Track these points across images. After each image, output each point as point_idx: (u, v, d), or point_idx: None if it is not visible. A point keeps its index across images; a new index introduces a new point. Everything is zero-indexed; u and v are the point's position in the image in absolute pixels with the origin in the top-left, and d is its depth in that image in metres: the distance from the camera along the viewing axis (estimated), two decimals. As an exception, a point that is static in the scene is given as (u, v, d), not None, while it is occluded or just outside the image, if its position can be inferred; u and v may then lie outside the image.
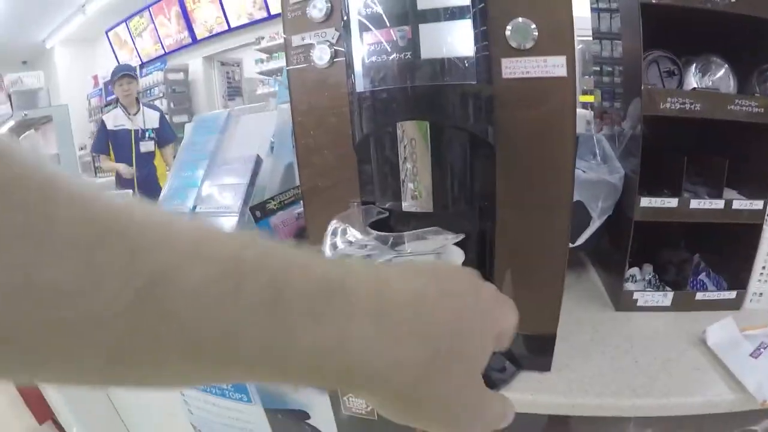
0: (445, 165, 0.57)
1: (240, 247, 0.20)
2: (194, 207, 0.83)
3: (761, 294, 0.89)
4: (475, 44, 0.54)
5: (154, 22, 5.65)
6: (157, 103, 5.56)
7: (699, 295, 0.90)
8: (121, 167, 3.44)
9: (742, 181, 0.88)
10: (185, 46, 5.53)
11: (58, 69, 6.75)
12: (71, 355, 0.17)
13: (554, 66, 0.56)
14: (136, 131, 3.57)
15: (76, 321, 0.15)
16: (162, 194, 0.89)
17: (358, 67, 0.58)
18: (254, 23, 4.74)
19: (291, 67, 0.67)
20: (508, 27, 0.55)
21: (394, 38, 0.56)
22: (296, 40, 0.65)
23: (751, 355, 0.74)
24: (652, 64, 0.85)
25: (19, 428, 2.10)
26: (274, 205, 0.83)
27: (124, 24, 6.00)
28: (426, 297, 0.26)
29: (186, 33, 5.38)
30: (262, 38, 4.65)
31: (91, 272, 0.15)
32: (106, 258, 0.16)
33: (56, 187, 0.16)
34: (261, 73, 4.88)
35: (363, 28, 0.57)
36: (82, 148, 6.59)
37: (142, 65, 5.93)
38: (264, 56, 4.82)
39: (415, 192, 0.57)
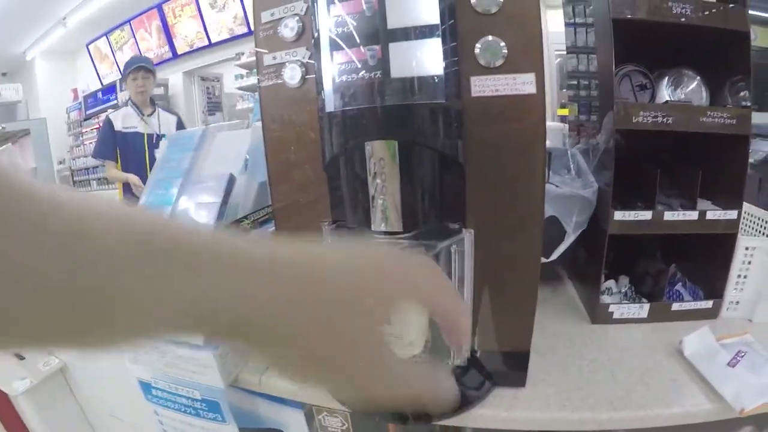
0: (415, 184, 0.57)
1: (152, 221, 0.25)
2: (167, 226, 0.82)
3: (738, 302, 0.91)
4: (444, 62, 0.54)
5: (135, 36, 5.61)
6: (136, 117, 5.52)
7: (675, 306, 0.91)
8: (133, 178, 2.74)
9: (716, 191, 0.89)
10: (166, 61, 5.49)
11: (38, 81, 6.66)
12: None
13: (523, 83, 0.56)
14: (150, 136, 2.89)
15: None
16: (134, 213, 0.87)
17: (327, 86, 0.58)
18: (235, 38, 4.74)
19: (263, 85, 0.66)
20: (478, 45, 0.55)
21: (365, 57, 0.56)
22: (268, 59, 0.65)
23: (728, 364, 0.74)
24: (625, 78, 0.87)
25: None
26: (248, 224, 0.82)
27: (104, 37, 5.95)
28: (327, 257, 0.30)
29: (167, 47, 5.35)
30: (242, 53, 4.64)
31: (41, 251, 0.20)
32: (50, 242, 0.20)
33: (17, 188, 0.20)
34: (241, 88, 4.87)
35: (333, 47, 0.57)
36: (60, 162, 6.51)
37: (123, 79, 5.88)
38: (244, 72, 4.81)
39: (385, 212, 0.57)
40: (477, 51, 0.55)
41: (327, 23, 0.57)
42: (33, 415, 1.47)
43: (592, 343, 0.87)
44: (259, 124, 1.03)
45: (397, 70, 0.55)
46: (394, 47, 0.55)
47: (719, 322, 0.90)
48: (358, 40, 0.56)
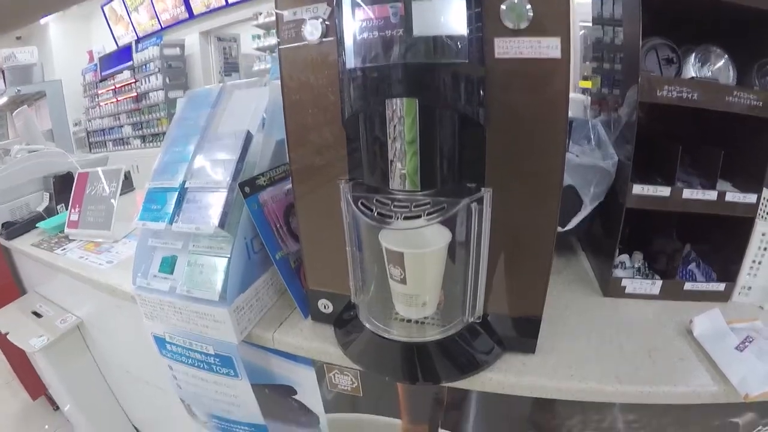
0: (434, 144, 0.57)
1: None
2: (184, 182, 0.83)
3: (750, 288, 0.90)
4: (469, 23, 0.53)
5: (150, -4, 5.55)
6: (152, 78, 5.52)
7: (688, 285, 0.91)
8: None
9: (737, 173, 0.88)
10: (182, 21, 5.41)
11: (53, 44, 6.65)
12: None
13: (548, 47, 0.55)
14: None
15: None
16: (153, 169, 0.89)
17: (349, 43, 0.57)
18: None
19: (282, 46, 0.66)
20: (503, 6, 0.54)
21: (387, 14, 0.55)
22: (288, 15, 0.64)
23: (736, 347, 0.74)
24: (651, 52, 0.85)
25: (14, 404, 2.14)
26: (264, 181, 0.83)
27: (120, -2, 5.89)
28: None
29: (183, 8, 5.27)
30: (260, 14, 4.55)
31: None
32: None
33: None
34: (258, 49, 4.78)
35: (355, 3, 0.57)
36: (76, 124, 6.56)
37: (138, 40, 5.84)
38: (261, 32, 4.71)
39: (403, 171, 0.57)
40: (502, 11, 0.55)
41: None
42: (49, 370, 1.54)
43: (603, 315, 0.87)
44: (277, 82, 1.03)
45: (419, 29, 0.54)
46: (417, 5, 0.54)
47: (730, 306, 0.89)
48: (381, -4, 0.55)
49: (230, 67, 5.78)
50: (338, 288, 0.79)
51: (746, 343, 0.75)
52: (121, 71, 5.88)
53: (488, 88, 0.58)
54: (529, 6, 0.54)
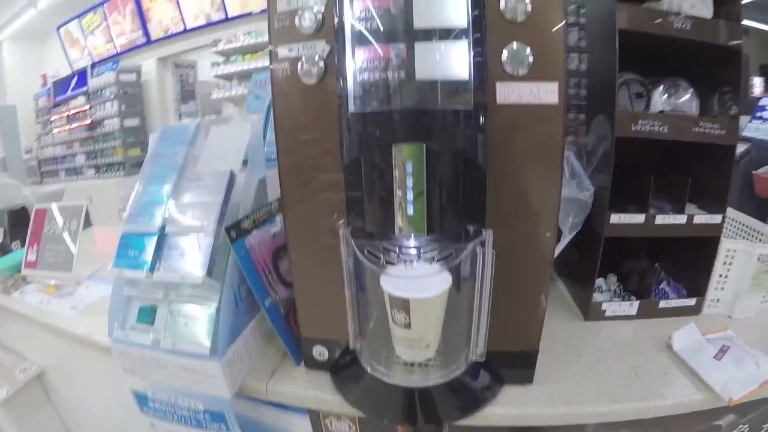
0: (438, 189, 0.53)
1: None
2: (163, 226, 0.75)
3: (718, 300, 0.93)
4: (472, 67, 0.50)
5: (107, 20, 5.23)
6: (107, 105, 5.15)
7: (662, 303, 0.92)
8: None
9: (701, 195, 0.90)
10: (139, 46, 5.15)
11: (6, 65, 6.20)
12: None
13: (546, 93, 0.54)
14: None
15: None
16: (127, 212, 0.80)
17: (349, 84, 0.53)
18: (212, 24, 4.47)
19: (276, 84, 0.60)
20: (504, 51, 0.52)
21: (389, 56, 0.51)
22: (283, 52, 0.59)
23: (714, 357, 0.77)
24: (623, 86, 0.86)
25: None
26: (249, 224, 0.76)
27: (76, 20, 5.54)
28: None
29: (140, 32, 5.02)
30: (219, 41, 4.38)
31: None
32: None
33: None
34: (218, 76, 4.63)
35: (356, 42, 0.53)
36: (27, 152, 6.09)
37: (94, 65, 5.51)
38: (221, 59, 4.56)
39: (408, 216, 0.53)
40: (504, 58, 0.52)
41: (350, 17, 0.53)
42: (9, 425, 1.36)
43: (587, 339, 0.87)
44: (254, 117, 0.96)
45: (422, 72, 0.51)
46: (420, 47, 0.51)
47: (701, 318, 0.92)
48: (382, 37, 0.52)
49: (187, 94, 5.56)
50: (334, 334, 0.73)
51: (723, 352, 0.78)
52: (75, 97, 5.48)
53: (489, 132, 0.55)
54: (528, 50, 0.52)
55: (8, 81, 6.16)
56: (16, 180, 2.26)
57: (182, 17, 4.65)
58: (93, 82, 5.26)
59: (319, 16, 0.56)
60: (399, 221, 0.54)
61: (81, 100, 5.42)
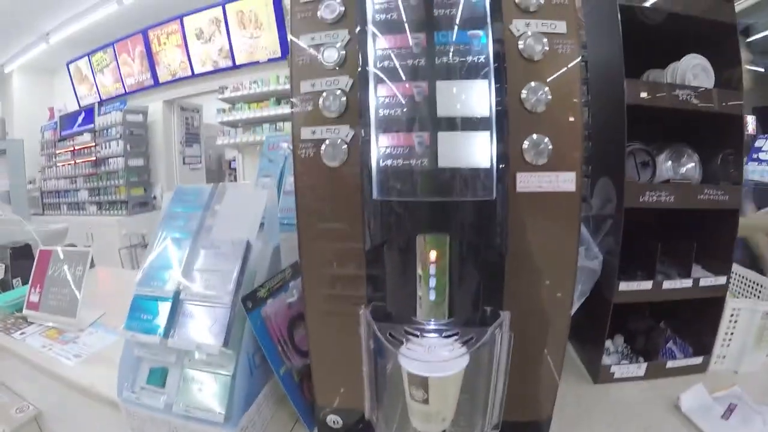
0: (461, 276, 0.53)
1: None
2: (177, 292, 0.74)
3: (724, 356, 0.93)
4: (495, 157, 0.51)
5: (117, 60, 5.35)
6: (113, 143, 5.18)
7: (669, 363, 0.92)
8: None
9: (705, 256, 0.91)
10: (146, 88, 5.25)
11: (15, 96, 6.26)
12: None
13: (564, 181, 0.55)
14: None
15: None
16: (139, 277, 0.79)
17: (373, 170, 0.53)
18: (218, 71, 4.56)
19: (299, 163, 0.61)
20: (525, 142, 0.53)
21: (412, 143, 0.52)
22: (306, 133, 0.60)
23: (722, 417, 0.76)
24: (629, 156, 0.87)
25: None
26: (264, 292, 0.75)
27: (86, 58, 5.65)
28: None
29: (149, 74, 5.13)
30: (226, 88, 4.44)
31: None
32: None
33: None
34: (223, 123, 4.64)
35: (380, 128, 0.53)
36: (30, 182, 6.08)
37: (101, 103, 5.59)
38: (226, 106, 4.60)
39: (432, 302, 0.53)
40: (525, 147, 0.53)
41: (375, 104, 0.54)
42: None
43: (598, 403, 0.86)
44: (267, 180, 0.97)
45: (444, 160, 0.52)
46: (442, 136, 0.52)
47: (708, 375, 0.91)
48: (406, 125, 0.53)
49: (191, 137, 5.61)
50: (349, 403, 0.71)
51: (731, 412, 0.77)
52: (81, 133, 5.51)
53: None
54: (547, 139, 0.53)
55: (16, 111, 6.22)
56: (20, 212, 2.23)
57: (190, 62, 4.76)
58: (100, 120, 5.31)
59: (343, 100, 0.58)
60: (421, 305, 0.53)
61: (87, 136, 5.46)
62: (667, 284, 0.86)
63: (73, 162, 5.68)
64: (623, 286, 0.84)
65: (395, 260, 0.54)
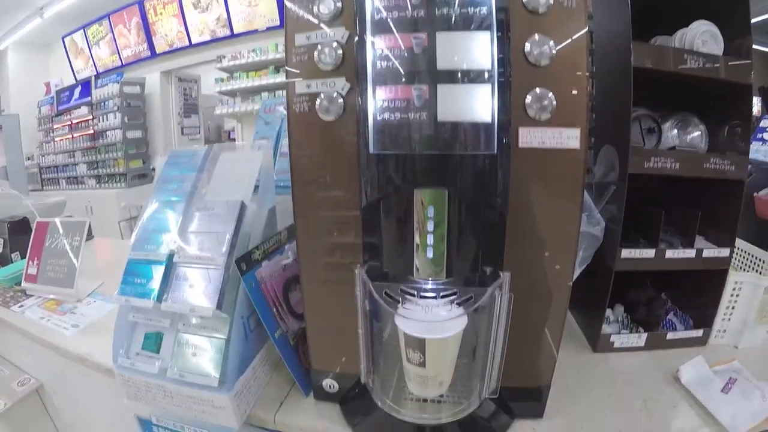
0: (459, 234, 0.52)
1: None
2: (171, 255, 0.73)
3: (725, 330, 0.92)
4: (496, 111, 0.49)
5: (113, 32, 5.23)
6: (110, 116, 5.12)
7: (670, 335, 0.91)
8: None
9: (709, 228, 0.89)
10: (143, 59, 5.14)
11: (10, 72, 6.16)
12: None
13: (569, 138, 0.53)
14: None
15: None
16: (133, 239, 0.78)
17: (370, 124, 0.51)
18: (216, 40, 4.46)
19: (293, 118, 0.59)
20: (528, 96, 0.51)
21: (411, 96, 0.50)
22: (302, 86, 0.58)
23: (722, 390, 0.76)
24: (635, 121, 0.85)
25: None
26: (259, 254, 0.74)
27: (81, 31, 5.52)
28: None
29: (145, 45, 5.01)
30: (224, 57, 4.35)
31: None
32: None
33: None
34: (221, 92, 4.57)
35: (378, 81, 0.51)
36: (29, 158, 6.03)
37: (98, 76, 5.50)
38: (225, 75, 4.52)
39: (429, 260, 0.51)
40: (527, 102, 0.51)
41: (372, 55, 0.51)
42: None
43: (597, 372, 0.86)
44: (264, 142, 0.94)
45: (444, 114, 0.50)
46: (442, 89, 0.50)
47: (707, 348, 0.91)
48: (404, 78, 0.50)
49: (189, 108, 5.53)
50: (345, 368, 0.71)
51: (730, 385, 0.77)
52: (78, 106, 5.44)
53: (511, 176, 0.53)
54: (551, 95, 0.51)
55: (12, 87, 6.12)
56: (18, 188, 2.22)
57: (187, 32, 4.65)
58: (97, 93, 5.23)
59: (339, 52, 0.55)
60: (418, 263, 0.52)
61: (84, 110, 5.38)
62: (669, 253, 0.84)
63: (70, 136, 5.62)
64: (625, 253, 0.83)
65: (392, 217, 0.53)
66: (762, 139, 2.89)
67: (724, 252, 0.86)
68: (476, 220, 0.53)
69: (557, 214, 0.57)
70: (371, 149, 0.51)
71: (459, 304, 0.53)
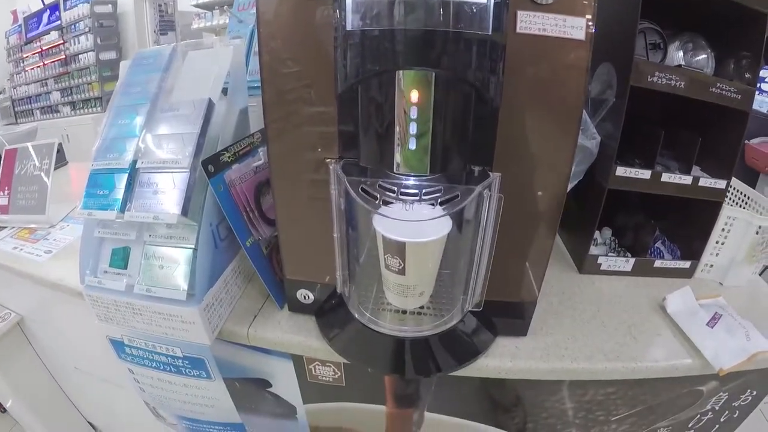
0: (446, 124, 0.47)
1: None
2: (134, 161, 0.67)
3: (712, 265, 0.90)
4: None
5: (80, -52, 4.81)
6: (82, 38, 4.79)
7: (657, 263, 0.89)
8: None
9: (707, 158, 0.86)
10: (115, -23, 4.78)
11: (-29, 2, 5.70)
12: None
13: (573, 27, 0.46)
14: None
15: None
16: (95, 146, 0.71)
17: (348, -1, 0.44)
18: None
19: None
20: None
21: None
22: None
23: (707, 324, 0.75)
24: (639, 34, 0.78)
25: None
26: (229, 157, 0.68)
27: (47, -51, 5.07)
28: None
29: (117, -38, 4.64)
30: None
31: None
32: None
33: None
34: (197, 5, 4.30)
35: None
36: (0, 92, 5.73)
37: (67, -2, 5.10)
38: (201, -14, 4.26)
39: (410, 151, 0.46)
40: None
41: None
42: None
43: (582, 293, 0.85)
44: (237, 41, 0.86)
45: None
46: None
47: (693, 282, 0.89)
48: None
49: (166, 25, 5.17)
50: (320, 277, 0.68)
51: (716, 320, 0.76)
52: (48, 32, 5.08)
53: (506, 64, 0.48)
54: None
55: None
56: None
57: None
58: (66, 16, 4.85)
59: None
60: (398, 157, 0.47)
61: (54, 35, 5.03)
62: (665, 177, 0.81)
63: (41, 64, 5.28)
64: (620, 171, 0.79)
65: (371, 105, 0.47)
66: (759, 89, 2.83)
67: (721, 183, 0.83)
68: (465, 109, 0.47)
69: (555, 114, 0.52)
70: (348, 25, 0.45)
71: (443, 204, 0.49)
